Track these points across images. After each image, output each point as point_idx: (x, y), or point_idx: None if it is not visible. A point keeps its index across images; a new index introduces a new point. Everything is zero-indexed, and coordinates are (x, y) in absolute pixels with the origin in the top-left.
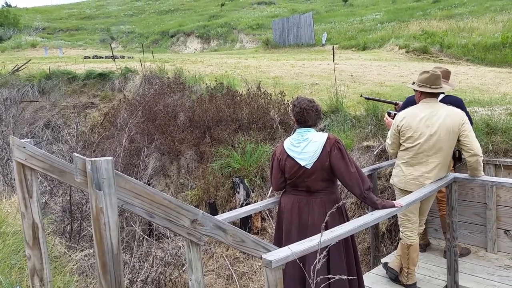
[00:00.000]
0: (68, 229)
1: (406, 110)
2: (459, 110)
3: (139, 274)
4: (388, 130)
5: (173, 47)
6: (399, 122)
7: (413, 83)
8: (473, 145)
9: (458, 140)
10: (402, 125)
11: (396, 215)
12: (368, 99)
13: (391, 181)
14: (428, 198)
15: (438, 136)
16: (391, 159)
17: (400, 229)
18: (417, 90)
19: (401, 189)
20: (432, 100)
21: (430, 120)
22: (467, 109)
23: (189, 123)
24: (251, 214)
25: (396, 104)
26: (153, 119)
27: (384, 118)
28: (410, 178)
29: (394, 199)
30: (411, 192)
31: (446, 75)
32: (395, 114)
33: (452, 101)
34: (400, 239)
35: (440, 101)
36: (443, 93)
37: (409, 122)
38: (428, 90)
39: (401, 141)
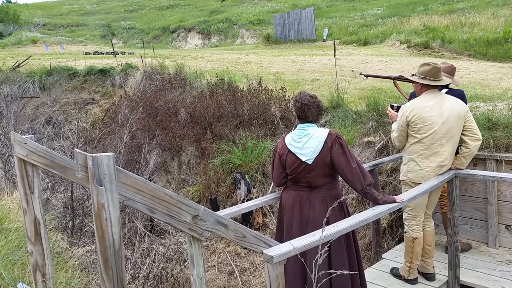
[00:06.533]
0: (70, 225)
1: (413, 101)
2: (459, 99)
3: (141, 269)
4: (391, 122)
5: (174, 43)
6: (408, 113)
7: (413, 75)
8: (477, 129)
9: (463, 126)
10: (413, 116)
11: (397, 210)
12: (367, 76)
13: (402, 178)
14: (436, 190)
15: (450, 123)
16: (393, 155)
17: (406, 223)
18: (418, 82)
19: (417, 184)
20: (435, 91)
21: (440, 109)
22: (469, 103)
23: (190, 119)
24: (252, 210)
25: (394, 79)
26: (154, 115)
27: (387, 111)
28: (428, 170)
29: (396, 195)
30: None
31: (451, 71)
32: (398, 107)
33: (456, 93)
34: (405, 232)
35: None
36: (447, 87)
37: (420, 112)
38: (429, 82)
39: (412, 133)
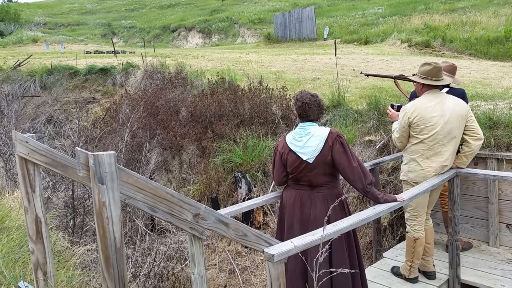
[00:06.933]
0: (71, 224)
1: (414, 102)
2: (461, 99)
3: (142, 268)
4: (392, 122)
5: (175, 42)
6: (410, 114)
7: (414, 75)
8: (479, 129)
9: (465, 126)
10: (415, 117)
11: (398, 209)
12: (368, 75)
13: (403, 178)
14: (436, 189)
15: (451, 123)
16: (393, 154)
17: (408, 223)
18: (419, 82)
19: (418, 183)
20: (436, 91)
21: (441, 109)
22: (470, 102)
23: (191, 118)
24: (253, 209)
25: (395, 78)
26: (155, 114)
27: (387, 110)
28: (430, 170)
29: (397, 194)
30: None
31: (452, 70)
32: (399, 106)
33: (457, 93)
34: (407, 232)
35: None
36: (448, 86)
37: (422, 113)
38: (431, 82)
39: (414, 134)
